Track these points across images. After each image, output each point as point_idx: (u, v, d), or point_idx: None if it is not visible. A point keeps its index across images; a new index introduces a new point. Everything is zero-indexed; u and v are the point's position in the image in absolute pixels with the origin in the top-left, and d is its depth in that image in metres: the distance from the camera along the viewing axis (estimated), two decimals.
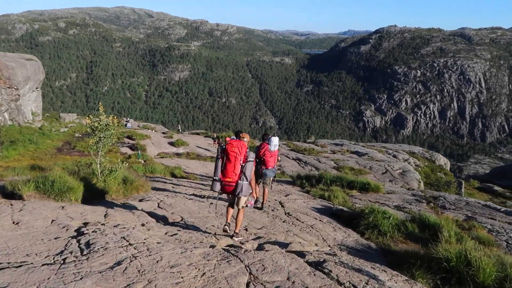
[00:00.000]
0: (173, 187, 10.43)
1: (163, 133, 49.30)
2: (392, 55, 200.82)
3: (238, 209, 6.06)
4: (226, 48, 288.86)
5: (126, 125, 60.83)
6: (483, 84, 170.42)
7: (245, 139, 6.20)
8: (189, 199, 8.65)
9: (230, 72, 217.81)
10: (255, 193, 6.59)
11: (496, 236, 7.01)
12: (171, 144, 36.05)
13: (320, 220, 7.60)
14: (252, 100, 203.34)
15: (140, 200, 7.95)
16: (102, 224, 5.03)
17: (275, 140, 8.65)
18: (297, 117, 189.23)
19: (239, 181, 5.81)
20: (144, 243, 4.17)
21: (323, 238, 6.30)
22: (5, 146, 26.43)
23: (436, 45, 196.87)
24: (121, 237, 4.31)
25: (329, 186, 12.34)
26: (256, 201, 8.19)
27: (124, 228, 4.90)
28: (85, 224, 5.08)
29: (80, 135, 38.05)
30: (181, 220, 6.55)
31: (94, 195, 7.51)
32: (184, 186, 11.07)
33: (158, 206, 7.45)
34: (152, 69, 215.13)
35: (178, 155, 32.37)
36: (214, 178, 5.91)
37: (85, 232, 4.49)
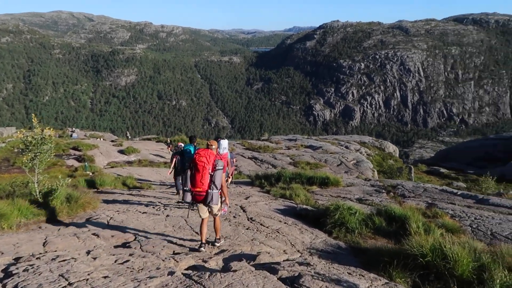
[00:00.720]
0: (124, 200, 9.63)
1: (112, 141, 47.08)
2: (336, 49, 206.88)
3: (214, 217, 6.07)
4: (173, 49, 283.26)
5: (71, 135, 57.57)
6: (421, 73, 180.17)
7: (213, 147, 6.14)
8: (143, 212, 7.97)
9: (179, 74, 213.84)
10: (228, 200, 6.27)
11: (460, 221, 7.03)
12: (121, 152, 34.39)
13: (285, 223, 7.25)
14: (203, 101, 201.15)
15: (88, 220, 7.17)
16: (37, 258, 4.27)
17: (224, 143, 8.63)
18: (249, 115, 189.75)
19: (209, 191, 5.77)
20: (87, 280, 3.52)
21: (291, 243, 5.94)
22: None
23: (377, 38, 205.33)
24: (59, 275, 3.61)
25: (289, 184, 12.08)
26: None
27: (64, 260, 4.18)
28: (17, 259, 4.31)
29: (20, 150, 35.31)
30: (135, 239, 5.89)
31: (32, 219, 6.62)
32: (137, 197, 10.30)
33: (108, 225, 6.73)
34: (96, 75, 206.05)
35: (130, 163, 30.93)
36: (185, 188, 5.87)
37: (14, 272, 3.73)
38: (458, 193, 9.97)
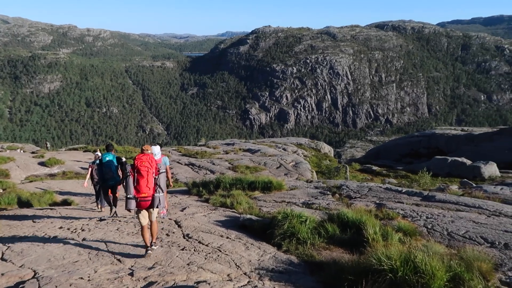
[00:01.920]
0: (34, 222, 8.05)
1: (33, 152, 42.75)
2: (269, 54, 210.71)
3: (151, 221, 5.95)
4: (100, 54, 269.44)
5: None
6: (349, 76, 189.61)
7: (148, 151, 6.08)
8: (53, 236, 6.54)
9: (108, 79, 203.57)
10: (167, 202, 6.51)
11: (413, 222, 6.62)
12: (43, 164, 31.06)
13: (228, 237, 6.30)
14: (136, 108, 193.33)
15: None
16: None
17: (155, 150, 8.15)
18: (185, 121, 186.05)
19: (155, 194, 5.79)
20: None
21: (236, 264, 5.00)
22: None
23: (307, 43, 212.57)
24: None
25: (230, 190, 11.17)
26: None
27: None
28: None
29: None
30: (33, 277, 4.57)
31: None
32: (51, 217, 8.72)
33: (1, 259, 5.31)
34: (14, 82, 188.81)
35: (52, 175, 27.97)
36: (128, 196, 5.71)
37: None
38: (403, 191, 9.77)
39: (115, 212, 9.01)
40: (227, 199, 9.57)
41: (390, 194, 9.41)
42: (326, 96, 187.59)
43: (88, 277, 4.48)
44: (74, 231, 6.95)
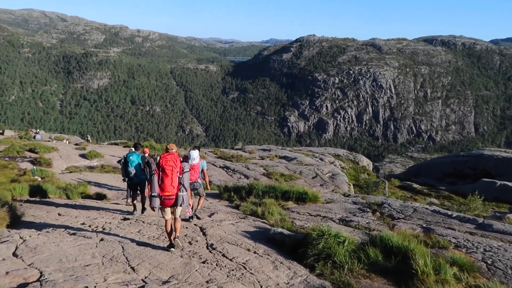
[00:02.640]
0: (59, 214, 7.88)
1: (76, 144, 44.37)
2: (312, 63, 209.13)
3: (175, 218, 6.06)
4: (148, 55, 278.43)
5: (35, 137, 54.24)
6: (393, 90, 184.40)
7: (173, 150, 6.26)
8: (72, 233, 6.24)
9: (154, 79, 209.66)
10: (191, 202, 6.74)
11: (469, 254, 5.75)
12: (83, 156, 31.95)
13: (256, 252, 5.71)
14: (178, 108, 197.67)
15: None
16: None
17: (193, 154, 8.54)
18: (224, 124, 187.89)
19: (179, 193, 5.90)
20: None
21: (261, 287, 4.43)
22: None
23: (351, 53, 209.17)
24: None
25: (262, 198, 10.61)
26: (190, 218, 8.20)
27: None
28: None
29: None
30: (38, 279, 4.20)
31: None
32: (78, 210, 8.55)
33: (14, 254, 5.02)
34: (67, 77, 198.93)
35: (91, 168, 28.64)
36: (153, 194, 5.82)
37: None
38: (453, 215, 8.78)
39: (143, 209, 9.31)
40: (258, 208, 9.00)
41: (438, 218, 8.47)
42: (367, 109, 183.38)
43: (95, 286, 4.04)
44: (95, 229, 6.64)
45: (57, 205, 9.27)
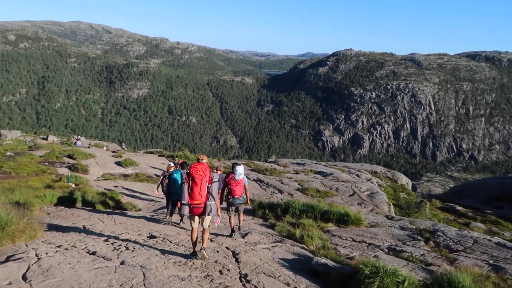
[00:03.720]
0: (83, 227, 7.43)
1: (113, 151, 45.21)
2: (348, 77, 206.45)
3: (204, 229, 6.18)
4: (186, 66, 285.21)
5: (75, 143, 56.08)
6: (432, 106, 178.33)
7: (204, 160, 6.40)
8: (92, 252, 5.67)
9: (191, 90, 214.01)
10: (219, 211, 6.50)
11: None
12: (119, 164, 32.28)
13: None
14: (213, 119, 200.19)
15: (6, 260, 4.92)
16: None
17: (239, 169, 8.61)
18: (258, 136, 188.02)
19: (208, 202, 6.06)
20: None
21: None
22: None
23: (389, 68, 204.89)
24: None
25: (299, 217, 9.81)
26: (232, 231, 8.35)
27: None
28: None
29: (12, 154, 33.45)
30: None
31: None
32: (104, 223, 8.08)
33: (23, 276, 4.50)
34: (109, 86, 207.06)
35: (126, 176, 28.80)
36: (183, 202, 6.05)
37: None
38: None
39: (182, 221, 9.65)
40: (296, 230, 8.17)
41: (505, 253, 7.34)
42: (405, 125, 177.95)
43: None
44: (117, 248, 6.03)
45: (85, 216, 8.89)
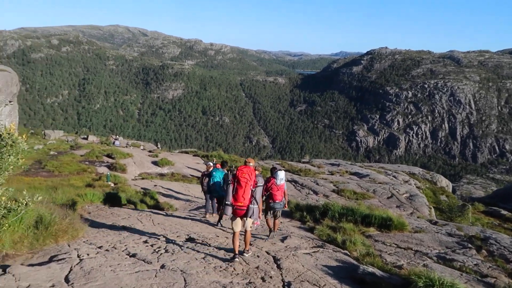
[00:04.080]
0: (123, 227, 7.46)
1: (150, 151, 46.23)
2: (383, 76, 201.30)
3: (246, 231, 6.30)
4: (220, 67, 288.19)
5: (114, 143, 58.05)
6: (473, 106, 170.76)
7: (250, 164, 6.49)
8: (132, 254, 5.61)
9: (224, 91, 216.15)
10: (261, 213, 6.62)
11: None
12: (155, 163, 32.94)
13: None
14: (246, 119, 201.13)
15: (49, 260, 4.97)
16: None
17: (280, 174, 8.61)
18: (291, 137, 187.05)
19: (250, 205, 6.12)
20: None
21: None
22: None
23: (426, 66, 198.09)
24: None
25: (338, 221, 9.47)
26: (270, 232, 8.46)
27: None
28: None
29: (55, 153, 34.88)
30: None
31: None
32: (143, 223, 8.09)
33: (66, 278, 4.49)
34: (145, 87, 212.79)
35: (162, 175, 29.30)
36: (226, 203, 6.14)
37: None
38: None
39: (220, 222, 9.61)
40: (337, 235, 7.84)
41: None
42: (443, 125, 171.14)
43: None
44: (157, 250, 5.98)
45: (124, 215, 8.98)
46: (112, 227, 7.56)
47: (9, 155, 5.08)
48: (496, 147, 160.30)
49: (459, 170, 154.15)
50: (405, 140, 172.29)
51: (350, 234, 8.06)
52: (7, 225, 5.00)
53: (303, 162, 43.67)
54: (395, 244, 7.73)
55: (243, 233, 6.35)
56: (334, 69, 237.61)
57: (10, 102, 36.92)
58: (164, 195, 16.92)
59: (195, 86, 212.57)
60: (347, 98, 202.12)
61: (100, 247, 5.82)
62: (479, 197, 67.09)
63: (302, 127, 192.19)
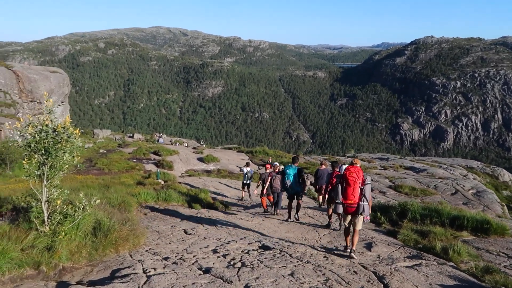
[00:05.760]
0: (185, 232, 6.67)
1: (194, 148, 46.36)
2: (429, 66, 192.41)
3: (354, 230, 6.44)
4: (258, 63, 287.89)
5: (158, 140, 59.12)
6: None
7: (358, 164, 6.83)
8: (205, 270, 4.62)
9: (263, 87, 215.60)
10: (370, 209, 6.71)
11: None
12: (201, 160, 32.69)
13: None
14: (285, 115, 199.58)
15: (111, 276, 4.19)
16: None
17: (344, 168, 8.39)
18: (331, 131, 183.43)
19: (360, 203, 6.33)
20: None
21: None
22: (18, 165, 23.82)
23: (476, 54, 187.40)
24: None
25: (421, 223, 8.23)
26: (329, 223, 9.03)
27: None
28: None
29: (104, 151, 35.59)
30: None
31: (24, 266, 3.83)
32: (205, 226, 7.29)
33: None
34: (186, 86, 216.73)
35: (208, 172, 28.93)
36: (337, 201, 6.46)
37: None
38: None
39: (296, 217, 9.88)
40: (435, 243, 6.55)
41: None
42: (496, 115, 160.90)
43: None
44: (232, 264, 5.01)
45: (181, 217, 8.26)
46: (173, 232, 6.80)
47: (64, 152, 4.40)
48: None
49: None
50: (453, 132, 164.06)
51: (442, 239, 6.83)
52: (63, 233, 4.31)
53: (348, 156, 41.96)
54: (504, 253, 6.42)
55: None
56: (376, 61, 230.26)
57: (62, 102, 38.07)
58: (214, 193, 16.28)
59: (234, 83, 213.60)
60: (390, 91, 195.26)
61: (166, 259, 5.01)
62: None
63: (343, 121, 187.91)
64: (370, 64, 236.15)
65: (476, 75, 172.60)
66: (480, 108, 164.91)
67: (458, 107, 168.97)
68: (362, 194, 6.29)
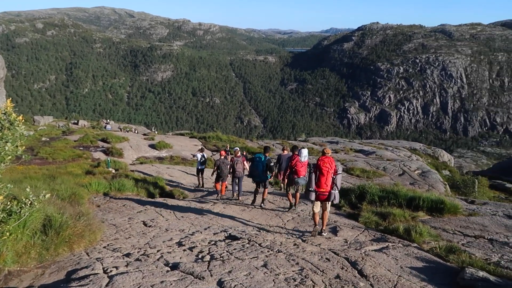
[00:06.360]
0: (145, 225, 6.25)
1: (144, 134, 44.76)
2: (375, 52, 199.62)
3: (324, 212, 6.91)
4: (209, 47, 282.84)
5: (105, 127, 56.41)
6: (464, 79, 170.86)
7: (329, 154, 7.19)
8: (173, 266, 4.25)
9: (214, 71, 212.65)
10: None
11: None
12: (152, 146, 31.60)
13: None
14: (236, 100, 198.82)
15: (67, 278, 3.74)
16: None
17: (304, 152, 9.25)
18: (282, 116, 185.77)
19: (332, 191, 6.73)
20: None
21: None
22: None
23: (418, 41, 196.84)
24: None
25: (380, 205, 8.44)
26: (290, 207, 9.34)
27: None
28: None
29: (47, 139, 33.28)
30: None
31: None
32: (166, 217, 6.91)
33: None
34: (134, 70, 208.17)
35: (161, 159, 28.03)
36: (310, 189, 6.79)
37: None
38: None
39: (262, 205, 9.77)
40: (399, 224, 6.69)
41: None
42: (434, 100, 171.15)
43: None
44: (200, 257, 4.74)
45: (138, 207, 7.79)
46: (131, 225, 6.36)
47: (6, 142, 3.86)
48: (487, 120, 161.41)
49: (450, 144, 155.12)
50: (396, 116, 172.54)
51: (401, 221, 7.02)
52: (7, 233, 3.78)
53: (299, 140, 42.69)
54: (459, 232, 6.68)
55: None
56: (325, 46, 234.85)
57: None
58: (169, 180, 15.76)
59: (184, 67, 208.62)
60: (338, 76, 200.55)
61: (127, 255, 4.60)
62: (478, 170, 67.14)
63: (293, 106, 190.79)
64: (319, 49, 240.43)
65: (417, 61, 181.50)
66: (421, 92, 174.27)
67: (401, 92, 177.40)
68: (333, 183, 6.65)
